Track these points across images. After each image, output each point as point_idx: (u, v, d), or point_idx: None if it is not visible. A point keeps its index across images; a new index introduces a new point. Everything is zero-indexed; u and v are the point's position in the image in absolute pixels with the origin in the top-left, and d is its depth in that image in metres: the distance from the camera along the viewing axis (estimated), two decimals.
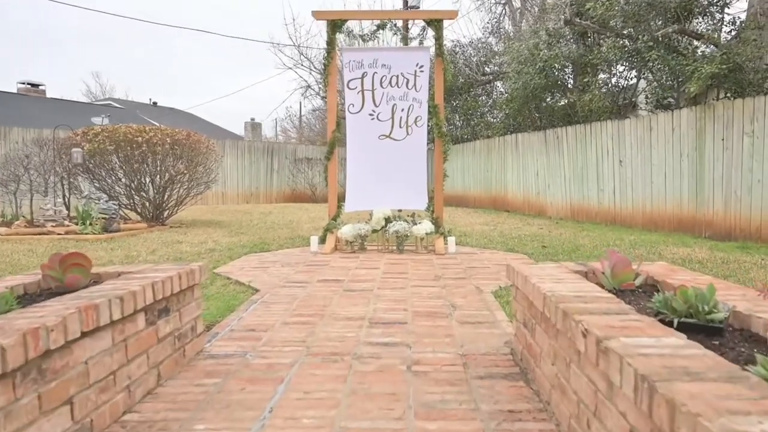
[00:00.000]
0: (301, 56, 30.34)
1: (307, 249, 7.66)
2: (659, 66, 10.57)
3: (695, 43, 10.96)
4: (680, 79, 10.37)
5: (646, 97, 12.07)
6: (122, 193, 11.48)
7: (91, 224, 9.90)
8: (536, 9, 19.31)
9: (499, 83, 19.13)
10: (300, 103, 51.40)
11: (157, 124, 16.06)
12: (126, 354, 2.43)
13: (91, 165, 11.14)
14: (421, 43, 7.86)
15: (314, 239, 7.52)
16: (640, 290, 2.56)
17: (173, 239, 9.05)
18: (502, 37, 19.45)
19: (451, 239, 7.28)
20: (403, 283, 5.22)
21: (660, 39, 10.20)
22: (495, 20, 20.10)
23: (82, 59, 71.18)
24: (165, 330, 2.82)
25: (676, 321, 1.88)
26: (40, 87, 32.10)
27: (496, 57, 18.65)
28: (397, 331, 3.56)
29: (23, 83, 31.34)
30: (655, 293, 2.54)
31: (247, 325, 3.83)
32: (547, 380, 2.37)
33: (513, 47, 14.72)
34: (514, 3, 22.16)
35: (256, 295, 4.85)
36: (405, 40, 8.40)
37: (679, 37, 10.75)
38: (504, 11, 21.76)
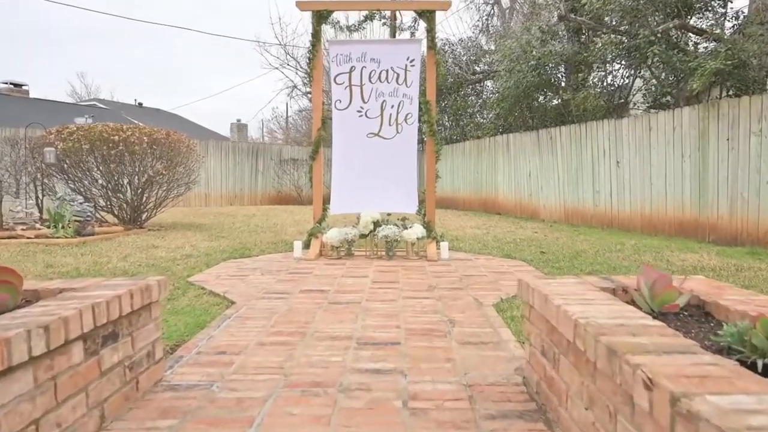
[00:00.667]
0: (288, 56, 29.82)
1: (290, 254, 7.18)
2: (659, 62, 10.17)
3: (695, 39, 10.58)
4: (681, 77, 9.99)
5: (644, 96, 11.70)
6: (99, 194, 10.98)
7: (63, 227, 9.42)
8: (526, 7, 18.96)
9: (489, 83, 18.72)
10: (287, 104, 50.76)
11: (141, 125, 15.56)
12: (55, 395, 1.95)
13: (66, 165, 10.64)
14: (412, 35, 7.43)
15: (298, 244, 7.04)
16: (685, 313, 2.12)
17: (149, 243, 8.61)
18: (493, 35, 19.06)
19: (444, 244, 6.84)
20: (394, 294, 4.76)
21: (660, 34, 9.81)
22: (485, 18, 19.70)
23: (67, 60, 70.24)
24: (112, 360, 2.34)
25: (760, 363, 1.44)
26: (24, 87, 31.79)
27: (487, 56, 18.24)
28: (390, 354, 3.10)
29: (6, 83, 31.01)
30: (705, 317, 2.10)
31: (217, 346, 3.35)
32: (577, 427, 1.92)
33: (505, 45, 14.31)
34: (503, 2, 21.83)
35: (231, 308, 4.37)
36: (394, 30, 7.96)
37: (679, 33, 10.38)
38: (492, 11, 21.42)
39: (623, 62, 12.05)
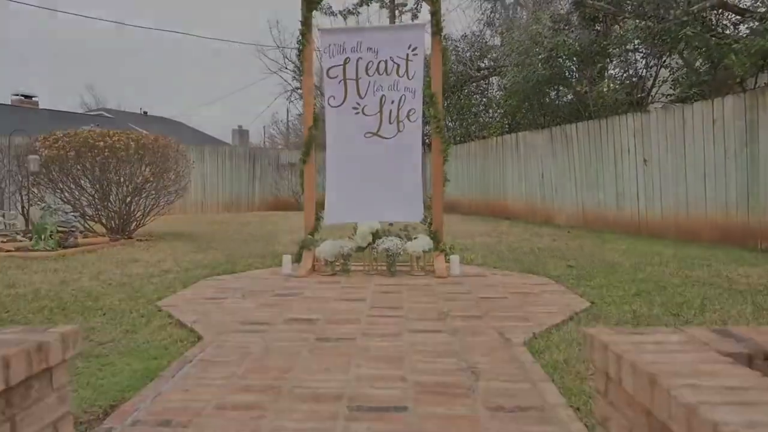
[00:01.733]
0: (285, 59, 29.00)
1: (279, 270, 6.28)
2: (694, 47, 9.13)
3: (733, 19, 9.55)
4: (717, 63, 9.00)
5: (672, 86, 10.72)
6: (87, 203, 10.49)
7: (44, 239, 8.88)
8: (531, 2, 18.07)
9: (495, 79, 17.80)
10: (287, 109, 50.08)
11: (145, 132, 14.92)
12: None
13: (54, 174, 10.23)
14: (414, 17, 6.56)
15: (287, 259, 6.16)
16: None
17: (130, 257, 7.89)
18: (498, 28, 18.14)
19: (455, 258, 5.94)
20: (397, 325, 3.87)
21: (694, 15, 8.82)
22: (489, 12, 18.79)
23: (78, 72, 69.83)
24: None
25: None
26: (33, 98, 32.31)
27: (492, 51, 17.32)
28: (394, 429, 2.22)
29: (17, 95, 31.61)
30: None
31: (162, 410, 2.50)
32: None
33: (512, 36, 13.39)
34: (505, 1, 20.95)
35: (196, 347, 3.50)
36: (393, 14, 7.09)
37: (715, 14, 9.40)
38: (494, 7, 20.51)
39: (648, 50, 11.04)
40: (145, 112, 40.99)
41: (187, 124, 39.77)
